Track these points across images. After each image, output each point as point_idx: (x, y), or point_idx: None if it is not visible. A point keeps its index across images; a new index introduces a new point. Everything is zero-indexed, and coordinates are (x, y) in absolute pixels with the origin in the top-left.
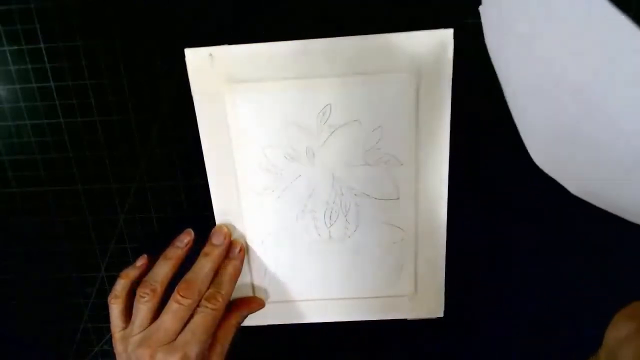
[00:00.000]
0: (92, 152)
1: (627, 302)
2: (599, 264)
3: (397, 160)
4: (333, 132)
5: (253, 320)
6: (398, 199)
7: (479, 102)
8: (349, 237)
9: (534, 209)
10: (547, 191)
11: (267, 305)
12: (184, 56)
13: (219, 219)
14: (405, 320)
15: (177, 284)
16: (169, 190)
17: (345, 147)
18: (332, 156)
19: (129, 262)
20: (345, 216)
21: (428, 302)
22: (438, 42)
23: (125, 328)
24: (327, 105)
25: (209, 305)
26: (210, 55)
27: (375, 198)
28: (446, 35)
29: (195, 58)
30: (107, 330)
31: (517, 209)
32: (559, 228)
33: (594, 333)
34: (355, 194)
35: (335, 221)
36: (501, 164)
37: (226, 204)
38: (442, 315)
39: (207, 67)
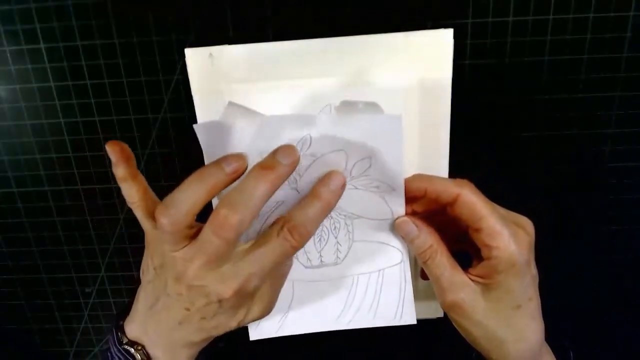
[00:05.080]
0: (92, 152)
1: None
2: (595, 263)
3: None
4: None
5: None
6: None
7: (479, 102)
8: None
9: (534, 213)
10: (549, 197)
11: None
12: (184, 56)
13: None
14: None
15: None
16: (169, 190)
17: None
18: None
19: (129, 262)
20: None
21: (428, 302)
22: (438, 42)
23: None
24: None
25: (292, 239)
26: (210, 55)
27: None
28: (446, 35)
29: (195, 58)
30: (108, 330)
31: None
32: (559, 232)
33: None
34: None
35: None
36: (502, 166)
37: None
38: (442, 315)
39: (207, 67)
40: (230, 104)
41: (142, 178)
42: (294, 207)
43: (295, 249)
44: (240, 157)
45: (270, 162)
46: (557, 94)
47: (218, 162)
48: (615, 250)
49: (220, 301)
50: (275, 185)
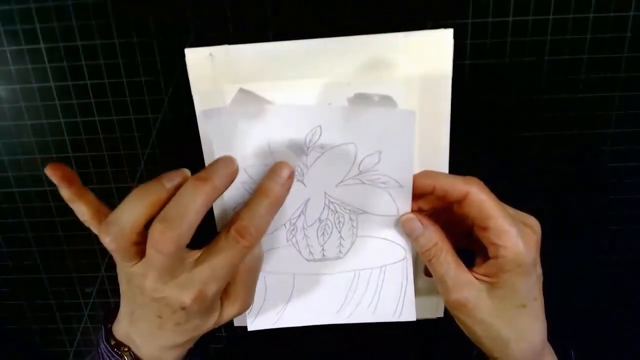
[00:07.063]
0: (92, 152)
1: None
2: (595, 263)
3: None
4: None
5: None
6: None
7: (479, 102)
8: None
9: (534, 213)
10: (549, 197)
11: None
12: (184, 56)
13: (220, 223)
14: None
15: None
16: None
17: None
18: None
19: None
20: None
21: (428, 302)
22: (438, 42)
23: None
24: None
25: (242, 241)
26: (210, 55)
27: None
28: (446, 35)
29: (195, 58)
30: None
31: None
32: (559, 232)
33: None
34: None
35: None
36: (502, 166)
37: (228, 204)
38: (442, 315)
39: (207, 67)
40: (241, 90)
41: (90, 196)
42: (243, 207)
43: (248, 248)
44: (181, 173)
45: (205, 174)
46: (557, 94)
47: (159, 179)
48: (615, 250)
49: (184, 309)
50: (212, 197)
